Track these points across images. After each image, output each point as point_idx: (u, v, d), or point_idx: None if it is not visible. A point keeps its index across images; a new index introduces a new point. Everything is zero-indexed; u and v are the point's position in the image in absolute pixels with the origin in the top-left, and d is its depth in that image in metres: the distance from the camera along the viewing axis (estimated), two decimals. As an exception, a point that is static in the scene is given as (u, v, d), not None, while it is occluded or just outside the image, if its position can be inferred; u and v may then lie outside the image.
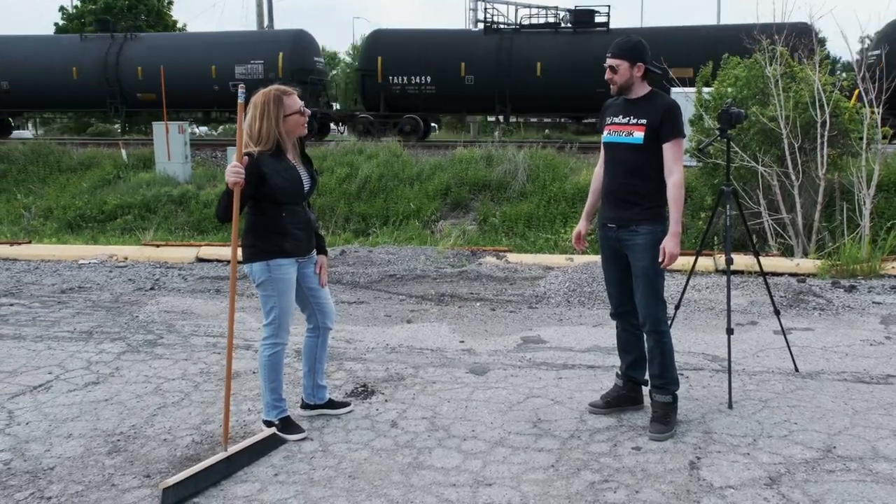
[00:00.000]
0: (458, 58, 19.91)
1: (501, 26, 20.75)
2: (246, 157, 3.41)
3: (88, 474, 3.33)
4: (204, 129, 33.60)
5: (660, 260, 3.61)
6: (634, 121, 3.67)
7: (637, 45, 3.68)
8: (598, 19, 20.00)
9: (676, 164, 3.63)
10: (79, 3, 37.33)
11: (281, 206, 3.56)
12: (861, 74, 9.65)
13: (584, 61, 18.50)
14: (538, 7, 22.50)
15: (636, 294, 3.78)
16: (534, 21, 21.00)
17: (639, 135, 3.64)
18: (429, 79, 20.19)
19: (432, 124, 23.59)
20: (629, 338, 4.01)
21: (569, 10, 20.41)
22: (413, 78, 20.17)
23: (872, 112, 9.54)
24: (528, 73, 19.42)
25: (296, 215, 3.63)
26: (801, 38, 10.12)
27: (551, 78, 19.33)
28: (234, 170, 3.35)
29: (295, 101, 3.57)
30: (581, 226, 4.06)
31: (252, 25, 32.60)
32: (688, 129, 9.60)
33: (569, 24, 20.15)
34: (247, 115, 3.51)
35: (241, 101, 3.36)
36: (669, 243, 3.60)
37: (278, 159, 3.54)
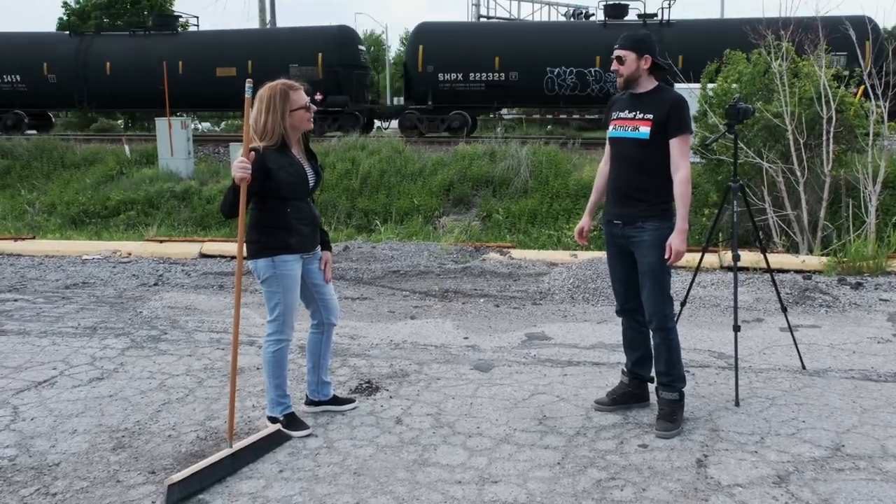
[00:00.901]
0: (42, 58, 22.15)
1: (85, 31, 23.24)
2: (252, 153, 3.39)
3: (93, 470, 3.32)
4: (206, 124, 33.58)
5: (665, 256, 3.58)
6: (640, 115, 3.64)
7: (645, 37, 3.66)
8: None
9: (683, 159, 3.60)
10: (82, -1, 37.25)
11: (286, 201, 3.54)
12: (867, 70, 9.60)
13: (150, 61, 21.07)
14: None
15: (642, 291, 3.75)
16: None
17: (645, 129, 3.61)
18: (19, 77, 22.40)
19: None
20: (635, 335, 3.98)
21: (153, 13, 23.35)
22: (5, 76, 22.33)
23: (878, 107, 9.50)
24: (100, 71, 21.79)
25: (301, 211, 3.61)
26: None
27: (120, 76, 21.64)
28: (240, 165, 3.32)
29: (301, 96, 3.55)
30: (584, 222, 4.03)
31: (254, 22, 32.54)
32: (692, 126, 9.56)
33: (148, 28, 22.81)
34: (252, 109, 3.49)
35: (247, 95, 3.33)
36: (676, 240, 3.57)
37: (283, 154, 3.52)
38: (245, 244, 3.57)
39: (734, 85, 10.39)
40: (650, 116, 3.60)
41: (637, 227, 3.68)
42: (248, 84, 3.33)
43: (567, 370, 4.62)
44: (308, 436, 3.66)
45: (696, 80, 11.18)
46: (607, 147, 3.87)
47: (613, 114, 3.79)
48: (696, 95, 10.85)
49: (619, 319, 4.05)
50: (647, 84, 3.69)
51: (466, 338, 5.36)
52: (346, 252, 8.47)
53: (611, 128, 3.79)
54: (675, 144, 3.60)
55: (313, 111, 3.63)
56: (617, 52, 3.65)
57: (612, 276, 4.00)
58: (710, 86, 11.05)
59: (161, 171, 15.92)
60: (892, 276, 7.14)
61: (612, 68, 3.70)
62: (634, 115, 3.66)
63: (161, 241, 9.64)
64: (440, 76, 20.03)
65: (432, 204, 13.90)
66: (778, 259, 7.67)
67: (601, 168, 3.97)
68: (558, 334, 5.42)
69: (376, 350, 5.08)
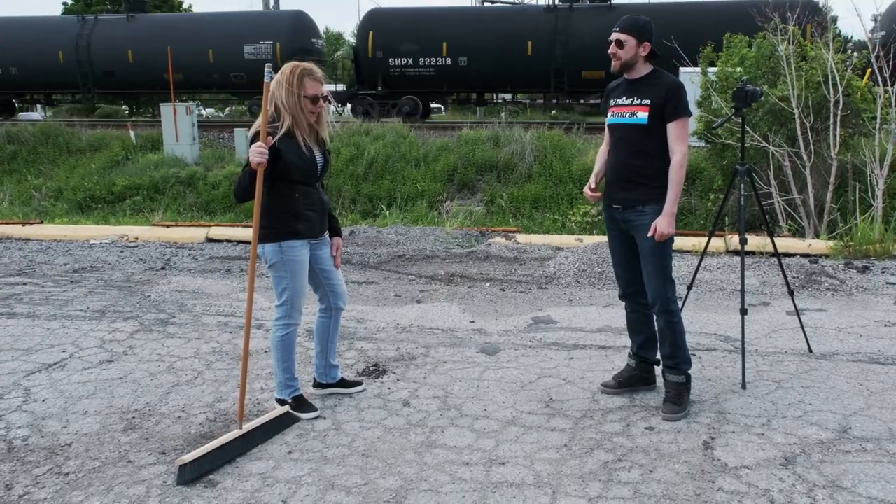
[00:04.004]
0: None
1: None
2: (270, 138, 3.38)
3: (105, 451, 3.36)
4: (210, 110, 33.55)
5: (649, 235, 3.58)
6: (638, 101, 3.63)
7: (647, 24, 3.64)
8: None
9: (678, 143, 3.59)
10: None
11: (294, 186, 3.54)
12: (875, 53, 9.53)
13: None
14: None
15: (645, 274, 3.76)
16: None
17: (643, 115, 3.60)
18: None
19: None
20: (639, 318, 3.99)
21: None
22: None
23: (886, 91, 9.44)
24: None
25: (310, 196, 3.61)
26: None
27: None
28: (258, 149, 3.31)
29: (315, 87, 3.54)
30: (591, 182, 3.89)
31: (258, 7, 32.45)
32: (694, 111, 9.54)
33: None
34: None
35: (266, 80, 3.32)
36: (662, 221, 3.56)
37: (293, 137, 3.51)
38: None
39: (738, 69, 10.34)
40: (647, 101, 3.60)
41: (637, 211, 3.68)
42: (268, 68, 3.31)
43: (573, 353, 4.64)
44: (316, 418, 3.68)
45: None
46: (606, 133, 3.87)
47: (611, 101, 3.78)
48: (698, 81, 10.82)
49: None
50: (643, 69, 3.68)
51: (473, 321, 5.38)
52: (352, 237, 8.49)
53: (609, 115, 3.79)
54: (672, 128, 3.59)
55: (321, 106, 3.59)
56: (616, 36, 3.62)
57: (613, 260, 4.01)
58: (711, 70, 10.99)
59: (166, 157, 15.93)
60: (898, 260, 7.12)
61: (609, 51, 3.68)
62: (632, 101, 3.65)
63: (168, 226, 9.67)
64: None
65: (436, 189, 13.89)
66: (784, 243, 7.66)
67: (601, 150, 3.95)
68: (564, 318, 5.44)
69: (383, 333, 5.10)
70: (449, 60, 20.07)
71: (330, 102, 3.63)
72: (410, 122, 18.73)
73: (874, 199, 9.26)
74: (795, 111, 9.48)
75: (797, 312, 4.64)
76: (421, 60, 20.16)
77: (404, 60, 20.22)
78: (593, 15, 19.75)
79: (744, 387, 4.00)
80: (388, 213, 12.22)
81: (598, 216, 11.07)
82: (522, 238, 8.51)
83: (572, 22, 19.54)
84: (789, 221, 9.86)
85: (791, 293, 4.59)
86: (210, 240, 8.68)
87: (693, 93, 9.74)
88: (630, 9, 20.02)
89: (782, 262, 4.80)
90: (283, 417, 3.59)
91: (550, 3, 20.69)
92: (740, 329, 4.22)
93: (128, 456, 3.31)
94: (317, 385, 3.99)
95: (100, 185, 15.06)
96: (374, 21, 20.77)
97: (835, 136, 9.46)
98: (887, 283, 6.29)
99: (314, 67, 3.54)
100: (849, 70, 9.64)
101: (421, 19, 20.74)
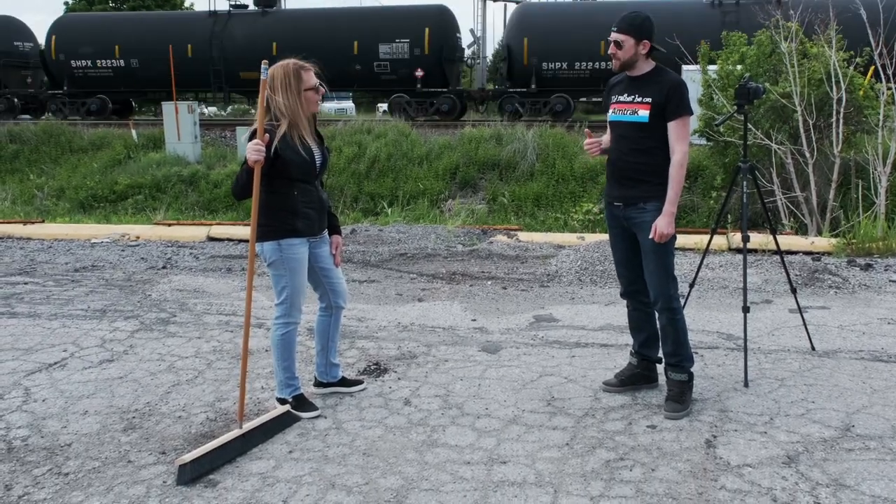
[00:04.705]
0: None
1: None
2: (267, 135, 3.37)
3: (105, 451, 3.35)
4: (213, 108, 33.52)
5: (650, 237, 3.56)
6: (639, 99, 3.61)
7: (645, 21, 3.60)
8: None
9: (679, 142, 3.57)
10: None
11: (293, 184, 3.53)
12: (878, 50, 9.49)
13: None
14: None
15: (646, 272, 3.74)
16: None
17: (644, 113, 3.58)
18: None
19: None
20: (640, 316, 3.98)
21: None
22: None
23: (889, 88, 9.41)
24: None
25: (309, 195, 3.60)
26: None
27: None
28: (255, 147, 3.30)
29: (311, 77, 3.53)
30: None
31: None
32: (695, 109, 9.50)
33: None
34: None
35: (263, 77, 3.31)
36: (662, 222, 3.55)
37: (292, 136, 3.50)
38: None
39: (738, 67, 10.31)
40: (649, 100, 3.57)
41: (638, 209, 3.67)
42: (264, 65, 3.30)
43: (575, 352, 4.62)
44: (317, 417, 3.67)
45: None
46: (608, 129, 3.85)
47: (612, 97, 3.76)
48: (699, 79, 10.80)
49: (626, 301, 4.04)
50: (645, 66, 3.65)
51: (474, 320, 5.36)
52: (353, 235, 8.47)
53: (610, 111, 3.76)
54: (672, 127, 3.57)
55: (322, 93, 3.61)
56: (614, 36, 3.58)
57: (615, 258, 4.00)
58: (711, 67, 10.97)
59: (168, 156, 15.91)
60: (902, 257, 7.09)
61: (609, 51, 3.65)
62: (633, 99, 3.63)
63: (169, 225, 9.67)
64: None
65: (438, 187, 13.86)
66: (787, 240, 7.64)
67: (605, 136, 3.93)
68: (566, 316, 5.42)
69: (384, 332, 5.09)
70: (122, 62, 21.59)
71: (322, 89, 3.62)
72: (95, 119, 20.46)
73: (877, 197, 9.22)
74: (798, 108, 9.45)
75: (800, 310, 4.62)
76: (98, 62, 21.61)
77: (84, 62, 21.71)
78: (249, 20, 21.25)
79: (746, 385, 3.99)
80: (389, 211, 12.20)
81: (600, 214, 11.04)
82: (524, 236, 8.50)
83: (229, 26, 21.08)
84: (792, 219, 9.83)
85: (794, 291, 4.57)
86: (211, 238, 8.67)
87: (694, 91, 9.69)
88: (283, 15, 21.43)
89: (785, 259, 4.78)
90: (283, 417, 3.58)
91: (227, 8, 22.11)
92: (743, 327, 4.20)
93: (128, 456, 3.30)
94: (317, 384, 3.98)
95: (102, 185, 15.05)
96: (57, 26, 22.44)
97: (837, 133, 9.43)
98: (890, 280, 6.27)
99: (299, 61, 3.53)
100: (851, 67, 9.59)
101: (97, 24, 22.68)
